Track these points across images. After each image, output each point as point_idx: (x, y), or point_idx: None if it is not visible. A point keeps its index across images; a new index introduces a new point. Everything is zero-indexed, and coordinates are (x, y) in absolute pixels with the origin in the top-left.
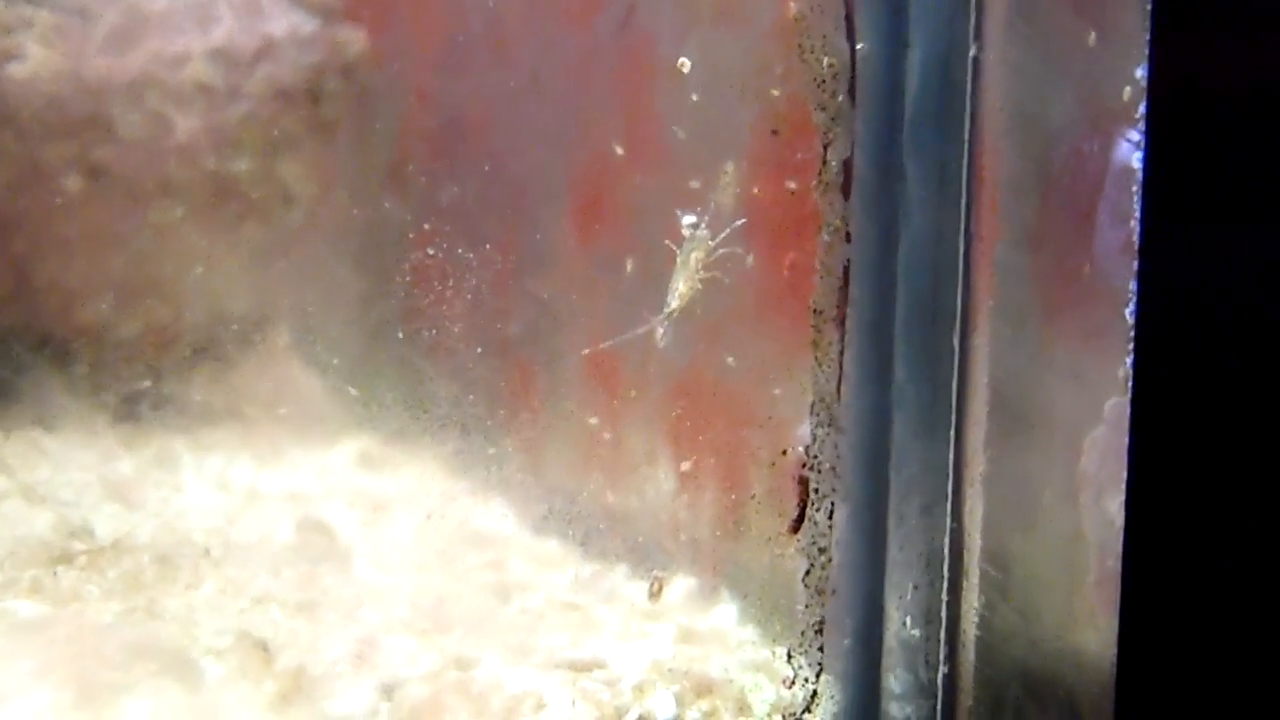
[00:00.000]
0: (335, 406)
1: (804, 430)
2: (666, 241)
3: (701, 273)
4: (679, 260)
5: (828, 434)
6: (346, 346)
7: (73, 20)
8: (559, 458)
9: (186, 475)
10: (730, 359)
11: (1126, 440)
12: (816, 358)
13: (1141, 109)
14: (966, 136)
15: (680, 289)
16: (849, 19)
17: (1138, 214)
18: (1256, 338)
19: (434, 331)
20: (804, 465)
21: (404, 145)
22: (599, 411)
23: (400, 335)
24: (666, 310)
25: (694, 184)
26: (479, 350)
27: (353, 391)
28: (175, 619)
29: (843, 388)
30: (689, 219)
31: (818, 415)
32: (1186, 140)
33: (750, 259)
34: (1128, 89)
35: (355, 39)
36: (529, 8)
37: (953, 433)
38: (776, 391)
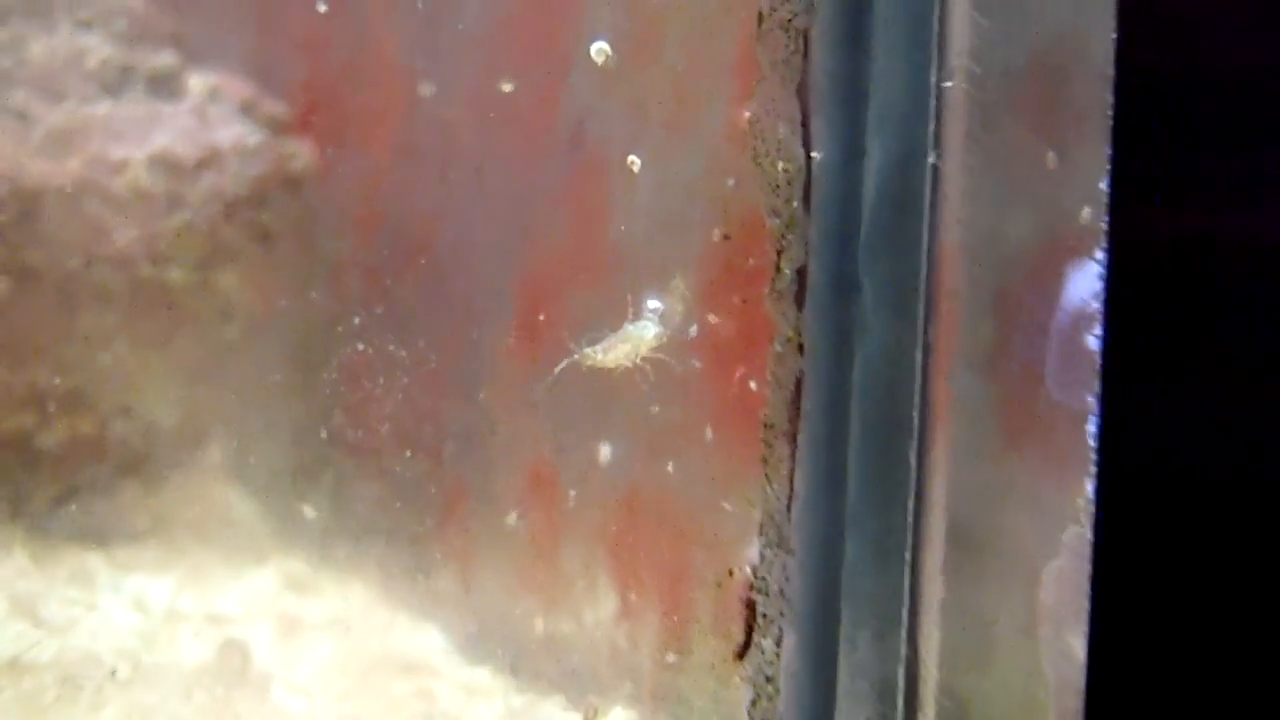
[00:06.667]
0: (262, 526)
1: (752, 550)
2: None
3: (641, 357)
4: (623, 332)
5: (776, 555)
6: (276, 465)
7: (10, 121)
8: (490, 572)
9: (102, 595)
10: (675, 473)
11: (1087, 572)
12: (766, 474)
13: (1102, 233)
14: (924, 249)
15: (617, 350)
16: (804, 124)
17: (1098, 340)
18: (1218, 465)
19: (360, 432)
20: (751, 588)
21: (345, 247)
22: (534, 523)
23: (324, 435)
24: (585, 353)
25: (642, 286)
26: (407, 454)
27: (281, 511)
28: None
29: (793, 506)
30: (653, 303)
31: (766, 535)
32: (1149, 261)
33: (697, 365)
34: (1087, 210)
35: (301, 151)
36: (481, 119)
37: (908, 555)
38: (724, 508)
